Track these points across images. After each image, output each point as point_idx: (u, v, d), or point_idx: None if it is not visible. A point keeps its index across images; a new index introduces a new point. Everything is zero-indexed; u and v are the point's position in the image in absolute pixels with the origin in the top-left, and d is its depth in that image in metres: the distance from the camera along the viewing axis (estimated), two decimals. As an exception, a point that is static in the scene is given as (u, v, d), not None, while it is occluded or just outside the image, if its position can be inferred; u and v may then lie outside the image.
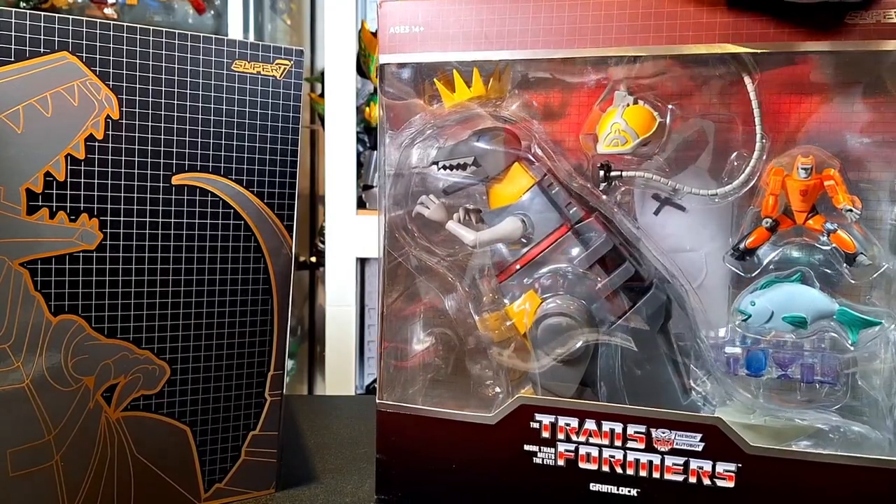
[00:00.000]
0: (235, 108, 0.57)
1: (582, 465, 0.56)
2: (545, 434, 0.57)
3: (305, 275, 1.55)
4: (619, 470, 0.56)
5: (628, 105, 0.56)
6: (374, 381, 1.39)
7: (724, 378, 0.58)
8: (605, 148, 0.57)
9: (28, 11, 0.50)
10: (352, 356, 1.17)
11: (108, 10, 1.21)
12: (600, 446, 0.56)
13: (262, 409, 0.62)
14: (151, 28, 0.54)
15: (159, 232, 0.56)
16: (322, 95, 1.23)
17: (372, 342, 1.59)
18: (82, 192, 0.53)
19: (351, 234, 1.14)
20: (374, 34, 1.23)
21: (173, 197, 0.56)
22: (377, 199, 0.62)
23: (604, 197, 0.59)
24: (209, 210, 0.57)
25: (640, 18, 0.53)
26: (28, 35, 0.50)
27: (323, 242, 1.23)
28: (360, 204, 1.20)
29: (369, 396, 1.31)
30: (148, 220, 0.55)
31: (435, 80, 0.59)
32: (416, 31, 0.57)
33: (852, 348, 0.55)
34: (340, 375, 1.16)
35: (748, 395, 0.58)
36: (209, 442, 0.60)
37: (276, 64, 0.58)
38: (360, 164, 1.21)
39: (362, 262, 1.50)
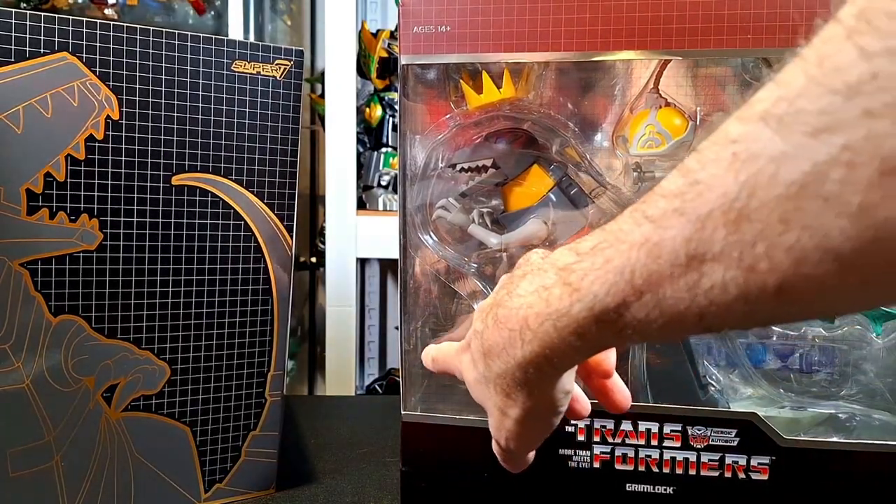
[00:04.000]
0: (235, 109, 0.57)
1: (618, 466, 0.57)
2: (581, 437, 0.57)
3: (305, 275, 1.55)
4: (655, 469, 0.56)
5: (661, 107, 0.56)
6: (375, 381, 1.39)
7: (749, 372, 0.59)
8: (639, 149, 0.57)
9: (28, 12, 0.50)
10: (352, 356, 1.17)
11: (108, 11, 1.21)
12: (636, 447, 0.56)
13: (262, 409, 0.62)
14: (151, 28, 0.54)
15: (159, 232, 0.56)
16: (322, 95, 1.23)
17: (373, 342, 1.59)
18: (82, 193, 0.53)
19: (351, 235, 1.13)
20: (375, 34, 1.23)
21: (173, 197, 0.56)
22: (398, 203, 0.60)
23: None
24: (209, 210, 0.57)
25: (675, 21, 0.52)
26: (28, 35, 0.50)
27: (323, 243, 1.23)
28: (361, 204, 1.20)
29: (369, 397, 1.31)
30: (148, 220, 0.55)
31: (460, 80, 0.59)
32: (442, 30, 0.55)
33: (878, 340, 0.57)
34: (340, 376, 1.16)
35: (772, 387, 0.59)
36: (209, 442, 0.60)
37: (276, 64, 0.58)
38: (360, 165, 1.21)
39: (362, 263, 1.50)
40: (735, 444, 0.54)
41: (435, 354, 0.46)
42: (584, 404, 0.44)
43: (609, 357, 0.41)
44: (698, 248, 0.25)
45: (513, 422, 0.39)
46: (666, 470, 0.56)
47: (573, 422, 0.56)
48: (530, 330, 0.33)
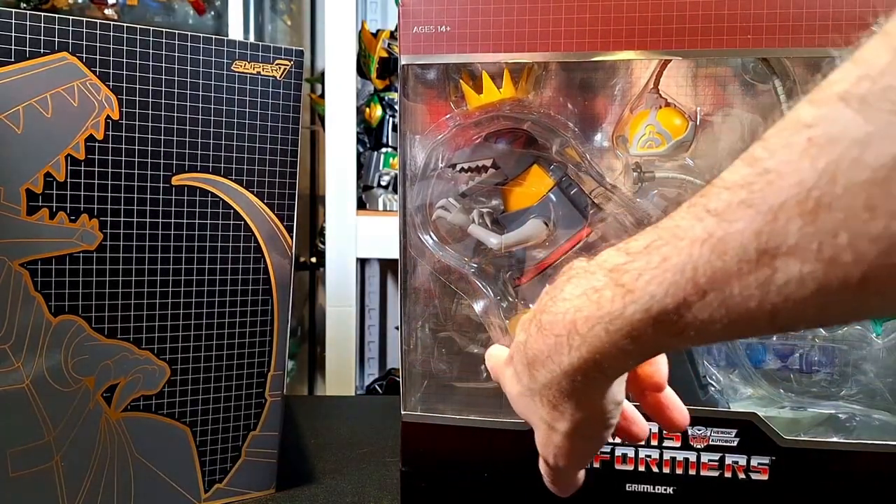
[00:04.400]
0: (235, 109, 0.57)
1: (618, 466, 0.57)
2: None
3: (305, 275, 1.55)
4: (655, 469, 0.56)
5: (661, 107, 0.56)
6: (375, 381, 1.39)
7: (749, 372, 0.59)
8: (638, 149, 0.57)
9: (28, 12, 0.50)
10: (352, 356, 1.17)
11: (108, 11, 1.21)
12: (636, 447, 0.56)
13: (262, 409, 0.62)
14: (151, 28, 0.54)
15: (159, 232, 0.56)
16: (322, 96, 1.23)
17: (373, 342, 1.59)
18: (82, 193, 0.53)
19: (351, 235, 1.14)
20: (375, 34, 1.23)
21: (173, 197, 0.56)
22: (398, 203, 0.60)
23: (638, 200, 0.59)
24: (209, 210, 0.57)
25: (675, 21, 0.52)
26: (28, 35, 0.50)
27: (323, 243, 1.23)
28: (361, 204, 1.20)
29: (369, 397, 1.31)
30: (148, 220, 0.55)
31: (460, 80, 0.58)
32: (442, 30, 0.55)
33: (878, 340, 0.57)
34: (341, 376, 1.16)
35: (772, 387, 0.59)
36: (209, 442, 0.60)
37: (276, 64, 0.58)
38: (360, 165, 1.21)
39: (362, 263, 1.50)
40: (735, 444, 0.54)
41: (491, 363, 0.44)
42: (642, 426, 0.41)
43: (661, 369, 0.39)
44: (770, 242, 0.24)
45: (561, 436, 0.37)
46: (666, 470, 0.56)
47: None
48: (579, 334, 0.31)
